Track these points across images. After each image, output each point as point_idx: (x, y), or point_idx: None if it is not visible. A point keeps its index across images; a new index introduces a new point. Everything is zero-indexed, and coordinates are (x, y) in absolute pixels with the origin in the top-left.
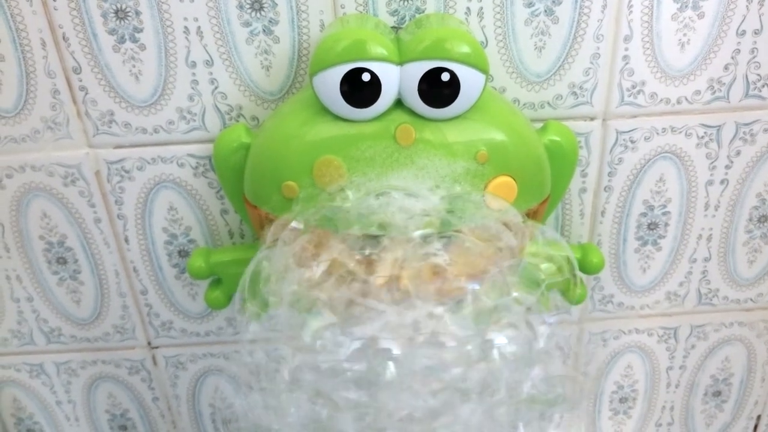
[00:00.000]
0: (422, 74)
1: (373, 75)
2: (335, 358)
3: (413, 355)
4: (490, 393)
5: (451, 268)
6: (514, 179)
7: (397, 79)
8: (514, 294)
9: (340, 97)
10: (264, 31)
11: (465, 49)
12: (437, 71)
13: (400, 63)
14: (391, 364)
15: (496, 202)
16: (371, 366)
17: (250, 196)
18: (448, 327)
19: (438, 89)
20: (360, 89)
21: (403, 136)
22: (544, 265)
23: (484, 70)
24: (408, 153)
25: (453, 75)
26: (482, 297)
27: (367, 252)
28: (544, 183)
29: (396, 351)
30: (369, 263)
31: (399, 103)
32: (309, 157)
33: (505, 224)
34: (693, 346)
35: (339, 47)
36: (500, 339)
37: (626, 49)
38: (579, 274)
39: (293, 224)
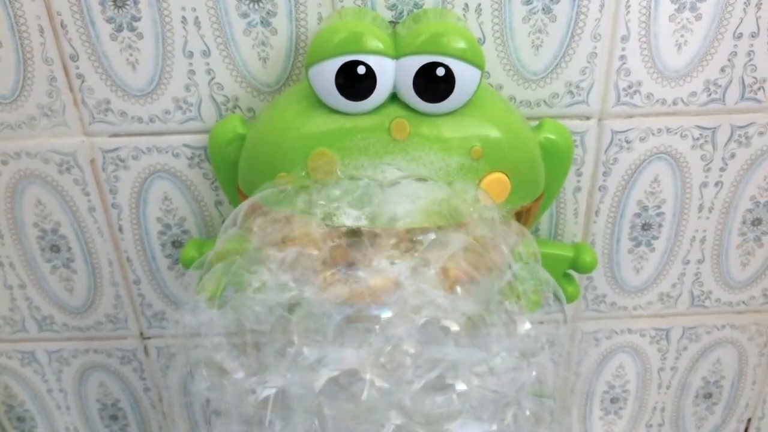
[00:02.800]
0: (417, 68)
1: (369, 68)
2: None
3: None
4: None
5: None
6: (508, 176)
7: (393, 73)
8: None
9: (335, 89)
10: (262, 22)
11: (461, 44)
12: (433, 66)
13: (396, 57)
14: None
15: (488, 200)
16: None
17: (245, 187)
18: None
19: (433, 84)
20: (355, 82)
21: (397, 130)
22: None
23: (479, 66)
24: (402, 146)
25: (448, 70)
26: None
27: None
28: (538, 181)
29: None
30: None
31: (394, 98)
32: (304, 149)
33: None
34: (685, 348)
35: (335, 40)
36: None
37: (623, 49)
38: (571, 273)
39: (280, 213)
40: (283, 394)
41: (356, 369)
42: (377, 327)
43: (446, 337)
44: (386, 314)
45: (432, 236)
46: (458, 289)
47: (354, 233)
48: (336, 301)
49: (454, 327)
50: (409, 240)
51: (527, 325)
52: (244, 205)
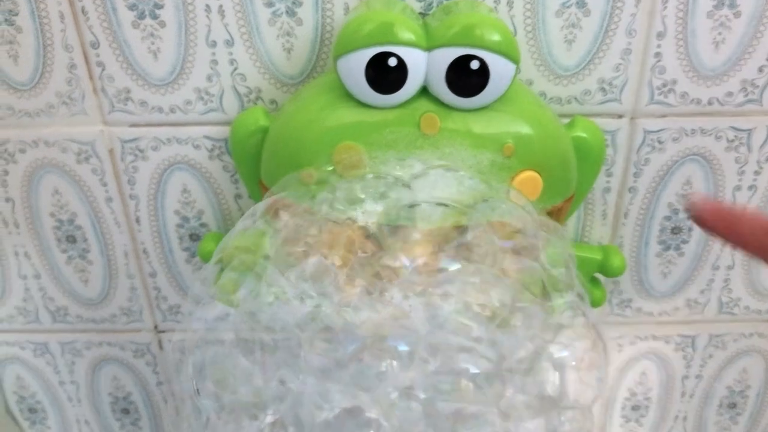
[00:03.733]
0: (451, 61)
1: (400, 60)
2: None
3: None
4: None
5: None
6: (540, 174)
7: (425, 66)
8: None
9: (365, 81)
10: (287, 12)
11: (496, 36)
12: (466, 59)
13: (428, 49)
14: None
15: (520, 199)
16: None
17: (268, 181)
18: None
19: (466, 77)
20: (386, 74)
21: (427, 125)
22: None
23: (515, 59)
24: (432, 141)
25: (483, 63)
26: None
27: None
28: (570, 180)
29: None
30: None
31: (424, 91)
32: (329, 143)
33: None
34: (711, 356)
35: (365, 30)
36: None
37: (659, 46)
38: (599, 276)
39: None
40: (283, 424)
41: (361, 408)
42: (392, 364)
43: (464, 381)
44: (403, 348)
45: (456, 267)
46: (481, 326)
47: (376, 240)
48: (353, 324)
49: (474, 370)
50: (432, 254)
51: (564, 353)
52: (263, 203)
